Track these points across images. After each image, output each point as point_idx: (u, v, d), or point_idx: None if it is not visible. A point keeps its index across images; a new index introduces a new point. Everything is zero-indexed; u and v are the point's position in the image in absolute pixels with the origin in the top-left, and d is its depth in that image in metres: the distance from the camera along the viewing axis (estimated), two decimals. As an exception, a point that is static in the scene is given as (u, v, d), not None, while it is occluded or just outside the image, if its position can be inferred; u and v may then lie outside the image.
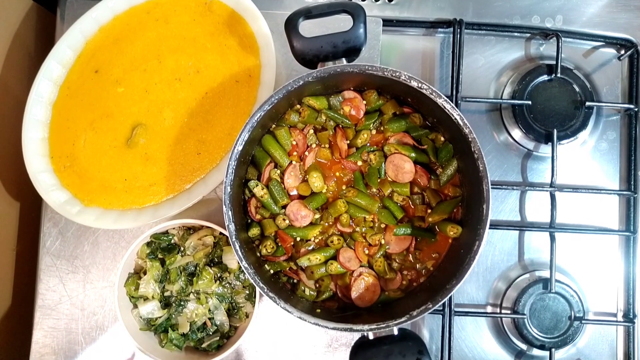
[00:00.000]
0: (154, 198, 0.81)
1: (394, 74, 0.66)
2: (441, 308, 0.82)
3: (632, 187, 0.87)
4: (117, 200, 0.81)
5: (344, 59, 0.68)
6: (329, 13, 0.68)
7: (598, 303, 0.87)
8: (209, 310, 0.77)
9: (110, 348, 0.84)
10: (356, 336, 0.68)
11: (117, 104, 0.82)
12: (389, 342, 0.65)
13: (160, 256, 0.79)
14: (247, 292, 0.79)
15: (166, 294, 0.78)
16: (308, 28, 0.69)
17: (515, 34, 0.90)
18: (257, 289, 0.74)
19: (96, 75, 0.83)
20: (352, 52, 0.68)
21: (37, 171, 0.80)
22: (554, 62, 0.86)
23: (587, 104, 0.86)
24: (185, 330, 0.76)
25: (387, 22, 0.89)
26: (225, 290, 0.78)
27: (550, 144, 0.85)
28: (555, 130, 0.85)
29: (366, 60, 0.86)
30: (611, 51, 0.91)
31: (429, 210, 0.74)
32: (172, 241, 0.80)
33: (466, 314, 0.85)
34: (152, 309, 0.77)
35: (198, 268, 0.78)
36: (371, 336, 0.66)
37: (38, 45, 0.93)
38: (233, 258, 0.77)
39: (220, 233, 0.80)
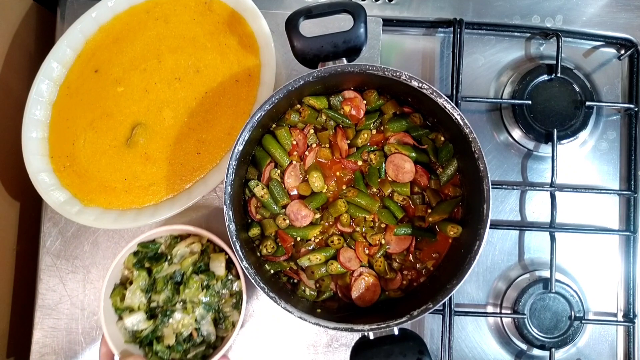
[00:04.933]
0: (154, 198, 0.81)
1: (394, 74, 0.66)
2: (441, 308, 0.82)
3: (632, 187, 0.87)
4: (116, 200, 0.81)
5: (344, 59, 0.68)
6: (330, 13, 0.68)
7: (598, 303, 0.87)
8: (196, 320, 0.76)
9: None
10: (357, 336, 0.68)
11: (116, 104, 0.82)
12: (390, 342, 0.65)
13: (147, 265, 0.78)
14: (234, 300, 0.78)
15: (152, 304, 0.77)
16: (308, 28, 0.69)
17: (516, 33, 0.90)
18: (244, 297, 0.74)
19: (96, 74, 0.83)
20: (353, 51, 0.68)
21: (36, 171, 0.79)
22: (554, 62, 0.86)
23: (587, 103, 0.86)
24: (170, 342, 0.75)
25: (387, 22, 0.89)
26: (212, 298, 0.77)
27: (550, 143, 0.85)
28: (555, 130, 0.85)
29: (366, 60, 0.86)
30: (611, 51, 0.91)
31: (429, 210, 0.74)
32: (159, 250, 0.79)
33: (466, 314, 0.85)
34: (137, 320, 0.75)
35: (185, 276, 0.77)
36: (372, 336, 0.66)
37: (38, 45, 0.93)
38: (220, 265, 0.77)
39: (208, 240, 0.78)
